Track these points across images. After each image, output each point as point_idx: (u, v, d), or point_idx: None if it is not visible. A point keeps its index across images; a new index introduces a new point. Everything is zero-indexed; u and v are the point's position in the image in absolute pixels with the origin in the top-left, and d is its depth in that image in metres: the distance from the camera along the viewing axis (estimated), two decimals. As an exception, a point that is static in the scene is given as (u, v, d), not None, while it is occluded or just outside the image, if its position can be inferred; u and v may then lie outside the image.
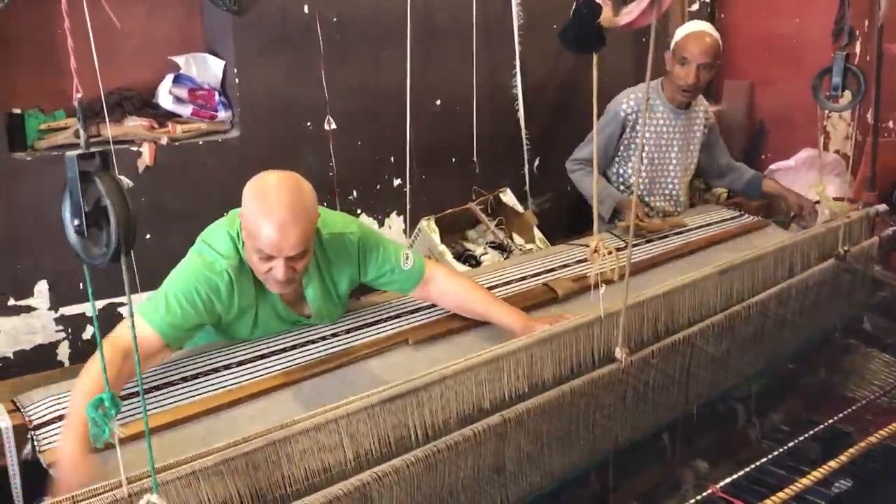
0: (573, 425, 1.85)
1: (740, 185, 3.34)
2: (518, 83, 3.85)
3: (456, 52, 3.66)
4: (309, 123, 3.37)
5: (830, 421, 2.20)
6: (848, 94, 2.46)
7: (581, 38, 1.45)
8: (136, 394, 1.76)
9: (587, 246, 1.74)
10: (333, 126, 3.40)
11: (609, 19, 1.40)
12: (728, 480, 1.89)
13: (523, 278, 2.50)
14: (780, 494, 1.78)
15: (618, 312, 1.81)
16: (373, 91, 3.49)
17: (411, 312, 2.23)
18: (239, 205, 1.99)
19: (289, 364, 1.95)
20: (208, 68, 3.26)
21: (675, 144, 3.16)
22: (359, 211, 3.56)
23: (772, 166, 4.31)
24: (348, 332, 2.11)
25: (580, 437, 1.88)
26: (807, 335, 2.54)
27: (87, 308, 3.01)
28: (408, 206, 3.67)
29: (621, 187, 3.21)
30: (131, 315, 1.19)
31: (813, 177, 3.90)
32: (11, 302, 2.90)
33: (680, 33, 3.02)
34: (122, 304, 3.00)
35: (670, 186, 3.22)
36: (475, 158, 3.81)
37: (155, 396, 1.81)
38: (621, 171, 3.20)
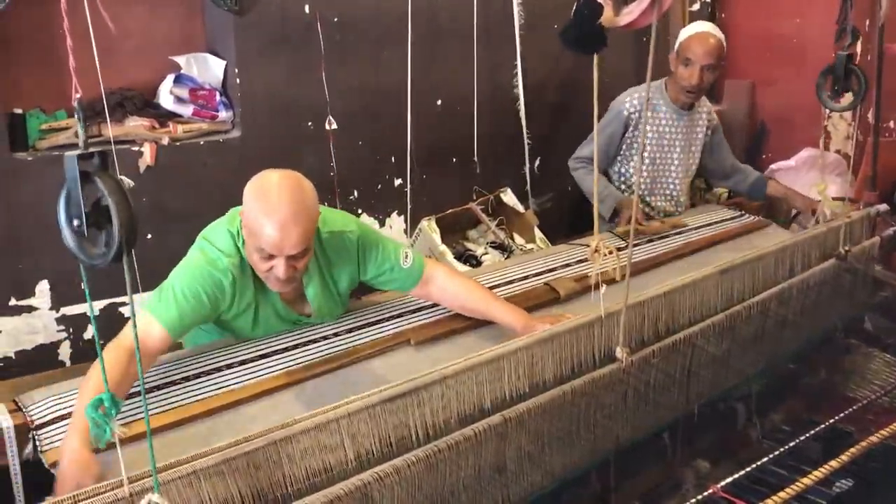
0: (574, 425, 1.85)
1: (745, 187, 3.33)
2: (519, 83, 3.85)
3: (457, 52, 3.66)
4: (310, 123, 3.37)
5: (831, 421, 2.20)
6: (849, 94, 2.47)
7: (582, 39, 1.45)
8: (138, 394, 1.76)
9: (588, 246, 1.74)
10: (334, 126, 3.40)
11: (609, 19, 1.40)
12: (729, 480, 1.89)
13: (524, 278, 2.50)
14: (781, 494, 1.78)
15: (618, 312, 1.82)
16: (373, 91, 3.49)
17: (413, 312, 2.23)
18: (240, 204, 2.00)
19: (290, 364, 1.95)
20: (209, 68, 3.26)
21: (677, 145, 3.16)
22: (359, 211, 3.56)
23: (773, 166, 4.31)
24: (350, 331, 2.11)
25: (581, 437, 1.88)
26: (808, 335, 2.54)
27: (88, 308, 3.01)
28: (408, 206, 3.67)
29: (622, 186, 3.21)
30: (133, 315, 1.19)
31: (814, 176, 3.89)
32: (13, 302, 2.90)
33: (684, 34, 3.02)
34: (123, 304, 3.00)
35: (671, 187, 3.22)
36: (476, 158, 3.81)
37: (156, 396, 1.81)
38: (623, 170, 3.20)
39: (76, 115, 1.10)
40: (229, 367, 1.93)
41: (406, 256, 2.12)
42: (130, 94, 3.10)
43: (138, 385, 1.74)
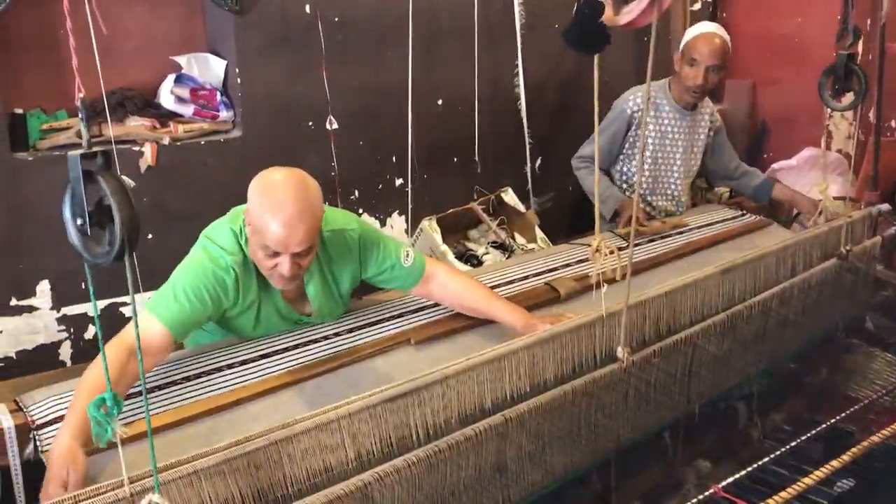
0: (575, 425, 1.85)
1: (750, 189, 3.30)
2: (520, 82, 3.85)
3: (458, 51, 3.66)
4: (310, 123, 3.37)
5: (833, 420, 2.20)
6: (851, 94, 2.47)
7: (585, 38, 1.45)
8: (139, 393, 1.76)
9: (589, 245, 1.74)
10: (335, 126, 3.40)
11: (610, 18, 1.40)
12: (730, 480, 1.89)
13: (525, 278, 2.50)
14: (783, 494, 1.78)
15: (619, 312, 1.81)
16: (374, 91, 3.49)
17: (413, 312, 2.23)
18: (241, 203, 1.99)
19: (291, 363, 1.95)
20: (210, 68, 3.26)
21: (679, 145, 3.15)
22: (360, 211, 3.56)
23: (774, 165, 4.30)
24: (350, 331, 2.11)
25: (582, 437, 1.88)
26: (809, 335, 2.54)
27: (90, 308, 3.01)
28: (409, 206, 3.67)
29: (624, 185, 3.21)
30: (135, 314, 1.19)
31: (815, 176, 3.89)
32: (13, 302, 2.90)
33: (690, 34, 3.02)
34: (124, 304, 3.00)
35: (673, 186, 3.22)
36: (477, 158, 3.81)
37: (157, 396, 1.81)
38: (625, 169, 3.20)
39: (80, 115, 1.10)
40: (230, 366, 1.93)
41: (407, 255, 2.12)
42: (131, 93, 3.10)
43: (139, 385, 1.74)
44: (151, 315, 1.79)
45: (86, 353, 3.02)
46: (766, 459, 1.99)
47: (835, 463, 1.91)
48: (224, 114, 3.22)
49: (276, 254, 1.81)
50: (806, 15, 4.22)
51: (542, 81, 3.96)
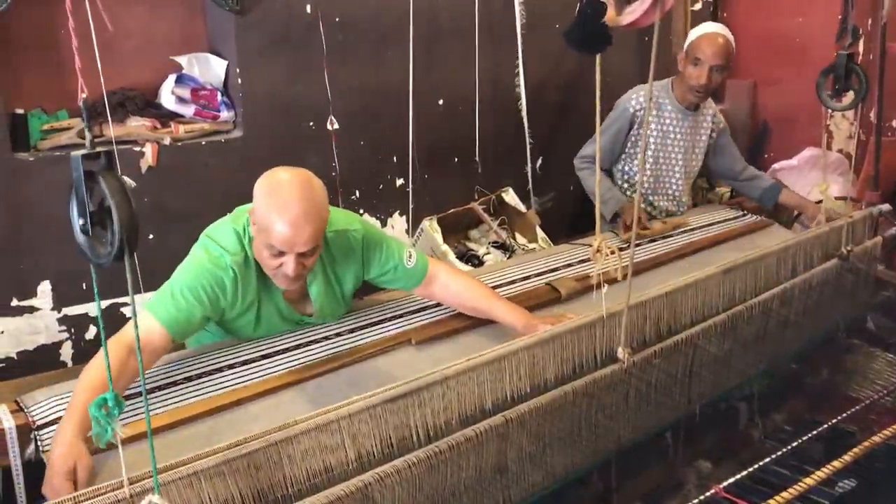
0: (576, 425, 1.85)
1: (757, 193, 3.26)
2: (521, 82, 3.85)
3: (458, 51, 3.66)
4: (311, 123, 3.37)
5: (834, 421, 2.20)
6: (851, 93, 2.46)
7: (587, 39, 1.45)
8: (139, 393, 1.76)
9: (590, 245, 1.74)
10: (336, 126, 3.40)
11: (612, 18, 1.40)
12: (731, 480, 1.89)
13: (526, 278, 2.50)
14: (784, 494, 1.78)
15: (620, 312, 1.81)
16: (375, 91, 3.49)
17: (414, 312, 2.23)
18: (242, 203, 1.99)
19: (292, 364, 1.95)
20: (211, 68, 3.26)
21: (680, 145, 3.15)
22: (361, 211, 3.56)
23: (775, 165, 4.30)
24: (351, 331, 2.11)
25: (583, 438, 1.88)
26: (810, 335, 2.54)
27: (91, 308, 3.01)
28: (410, 206, 3.67)
29: (625, 185, 3.21)
30: (134, 315, 1.19)
31: (816, 176, 3.89)
32: (14, 302, 2.90)
33: (694, 34, 3.02)
34: (125, 305, 3.00)
35: (674, 187, 3.22)
36: (477, 158, 3.81)
37: (158, 396, 1.81)
38: (627, 168, 3.19)
39: (82, 116, 1.10)
40: (231, 367, 1.93)
41: (410, 256, 2.12)
42: (132, 94, 3.09)
43: (139, 385, 1.74)
44: (150, 314, 1.80)
45: (87, 353, 3.01)
46: (767, 460, 1.99)
47: (836, 463, 1.91)
48: (225, 114, 3.22)
49: (281, 253, 1.81)
50: (807, 15, 4.22)
51: (542, 81, 3.95)
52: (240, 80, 3.20)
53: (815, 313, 2.49)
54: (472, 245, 3.60)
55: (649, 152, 3.14)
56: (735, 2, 4.62)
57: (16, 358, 2.93)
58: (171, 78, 3.16)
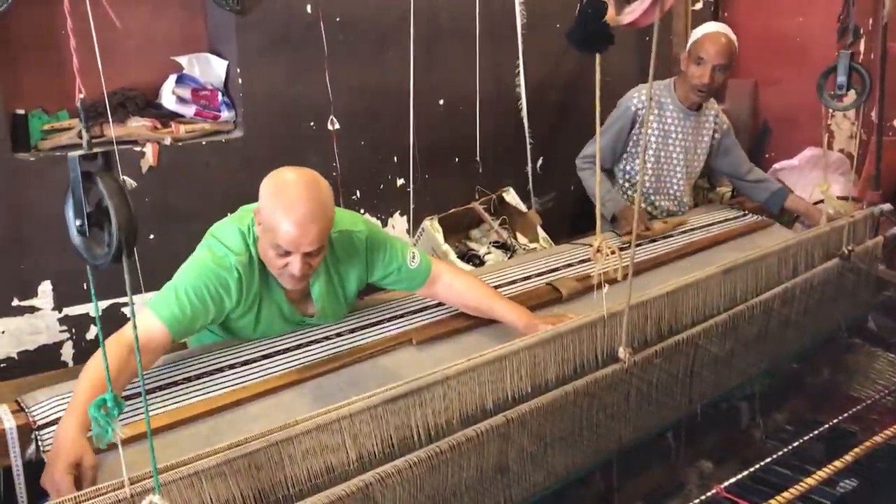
0: (577, 425, 1.85)
1: (763, 196, 3.24)
2: (521, 82, 3.84)
3: (459, 51, 3.66)
4: (312, 123, 3.37)
5: (835, 421, 2.20)
6: (852, 93, 2.46)
7: (588, 38, 1.45)
8: (139, 394, 1.76)
9: (591, 245, 1.73)
10: (337, 126, 3.39)
11: (612, 18, 1.40)
12: (732, 480, 1.89)
13: (527, 278, 2.50)
14: (785, 494, 1.78)
15: (621, 312, 1.81)
16: (376, 91, 3.49)
17: (415, 312, 2.23)
18: (242, 203, 1.99)
19: (293, 364, 1.95)
20: (211, 68, 3.26)
21: (681, 145, 3.15)
22: (362, 210, 3.56)
23: (776, 165, 4.30)
24: (352, 331, 2.11)
25: (584, 438, 1.87)
26: (811, 335, 2.54)
27: (91, 308, 3.01)
28: (411, 206, 3.67)
29: (627, 185, 3.20)
30: (133, 315, 1.19)
31: (817, 176, 3.88)
32: (15, 302, 2.90)
33: (697, 34, 3.01)
34: (125, 305, 3.00)
35: (675, 187, 3.21)
36: (478, 158, 3.81)
37: (159, 396, 1.81)
38: (628, 167, 3.19)
39: (80, 116, 1.10)
40: (232, 367, 1.93)
41: (413, 256, 2.12)
42: (132, 94, 3.09)
43: (139, 385, 1.74)
44: (152, 313, 1.79)
45: (87, 353, 2.99)
46: (768, 460, 1.99)
47: (837, 463, 1.91)
48: (225, 114, 3.22)
49: (287, 253, 1.81)
50: (807, 14, 4.22)
51: (543, 81, 3.95)
52: (240, 80, 3.20)
53: (817, 313, 2.49)
54: (472, 245, 3.60)
55: (650, 152, 3.13)
56: (736, 1, 4.62)
57: (16, 358, 2.93)
58: (172, 78, 3.16)
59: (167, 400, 1.80)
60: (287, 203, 1.78)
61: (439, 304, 2.24)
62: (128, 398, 1.72)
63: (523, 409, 1.70)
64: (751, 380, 2.36)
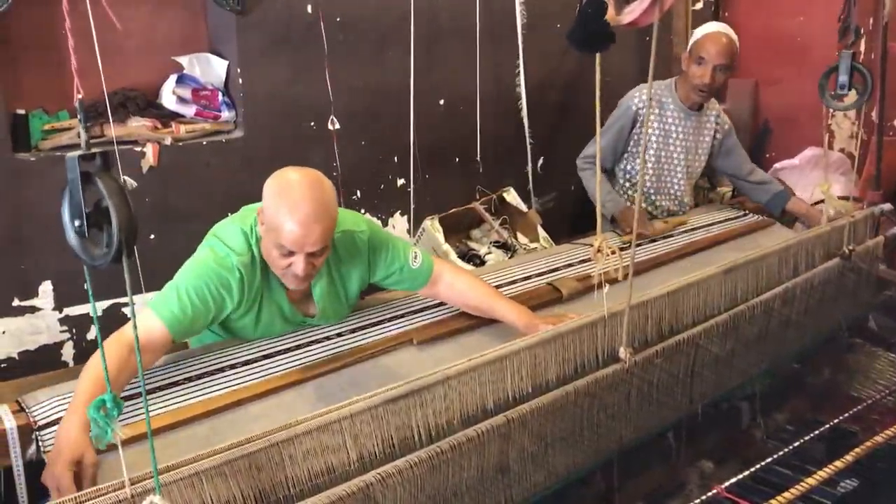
0: (577, 425, 1.84)
1: (765, 198, 3.22)
2: (521, 82, 3.84)
3: (459, 51, 3.66)
4: (312, 123, 3.37)
5: (836, 420, 2.20)
6: (853, 93, 2.46)
7: (589, 38, 1.45)
8: (140, 394, 1.76)
9: (591, 245, 1.73)
10: (337, 126, 3.40)
11: (612, 18, 1.40)
12: (733, 480, 1.89)
13: (527, 278, 2.50)
14: (786, 494, 1.78)
15: (622, 312, 1.81)
16: (376, 91, 3.49)
17: (416, 312, 2.23)
18: (243, 203, 1.99)
19: (293, 364, 1.95)
20: (212, 68, 3.26)
21: (682, 145, 3.14)
22: (363, 210, 3.56)
23: (776, 165, 4.30)
24: (353, 331, 2.11)
25: (584, 438, 1.87)
26: (811, 335, 2.54)
27: (91, 308, 3.01)
28: (412, 206, 3.67)
29: (627, 184, 3.20)
30: (133, 316, 1.19)
31: (818, 176, 3.88)
32: (16, 302, 2.90)
33: (698, 33, 3.01)
34: (126, 305, 3.00)
35: (676, 187, 3.21)
36: (478, 158, 3.81)
37: (159, 396, 1.80)
38: (629, 167, 3.19)
39: (78, 116, 1.10)
40: (232, 367, 1.93)
41: (415, 256, 2.12)
42: (133, 94, 3.10)
43: (139, 386, 1.74)
44: (153, 313, 1.79)
45: (88, 353, 2.99)
46: (769, 460, 1.99)
47: (838, 463, 1.91)
48: (226, 114, 3.22)
49: (290, 253, 1.81)
50: (808, 14, 4.22)
51: (543, 81, 3.95)
52: (241, 80, 3.20)
53: (817, 313, 2.49)
54: (473, 245, 3.60)
55: (651, 152, 3.13)
56: (736, 1, 4.62)
57: (17, 358, 2.93)
58: (173, 78, 3.16)
59: (168, 400, 1.80)
60: (291, 203, 1.77)
61: (440, 304, 2.24)
62: (128, 398, 1.72)
63: (524, 409, 1.70)
64: (751, 380, 2.36)
